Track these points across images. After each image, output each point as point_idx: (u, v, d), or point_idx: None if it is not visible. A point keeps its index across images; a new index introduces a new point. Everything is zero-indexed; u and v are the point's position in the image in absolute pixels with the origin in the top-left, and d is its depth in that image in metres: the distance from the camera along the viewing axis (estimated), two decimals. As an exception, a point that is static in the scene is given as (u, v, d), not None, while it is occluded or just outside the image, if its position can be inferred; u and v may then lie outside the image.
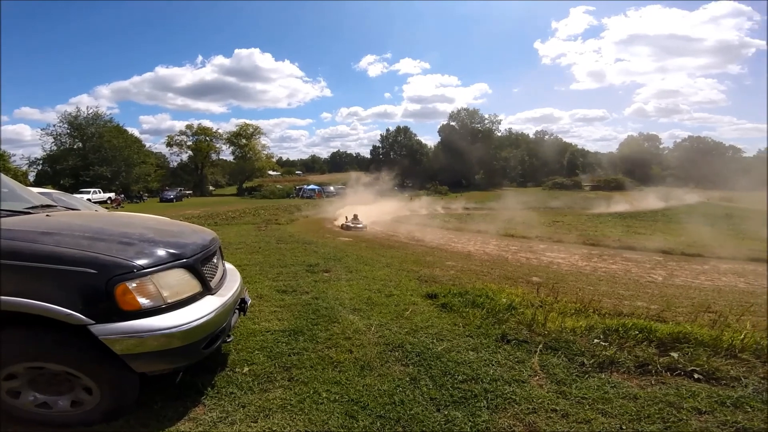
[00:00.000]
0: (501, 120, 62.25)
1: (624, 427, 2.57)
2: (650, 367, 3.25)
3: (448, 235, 15.91)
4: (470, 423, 2.54)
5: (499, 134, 62.62)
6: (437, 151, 60.93)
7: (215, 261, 2.96)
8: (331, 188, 47.58)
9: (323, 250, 8.91)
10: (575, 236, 14.75)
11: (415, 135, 64.87)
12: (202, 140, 60.62)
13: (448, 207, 30.22)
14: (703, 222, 19.80)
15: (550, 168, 58.94)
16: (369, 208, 22.18)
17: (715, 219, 20.76)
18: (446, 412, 2.64)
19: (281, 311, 4.44)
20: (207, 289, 2.57)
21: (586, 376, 3.17)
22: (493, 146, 59.10)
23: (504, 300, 4.68)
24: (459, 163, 54.52)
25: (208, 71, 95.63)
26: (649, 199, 33.13)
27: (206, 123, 67.22)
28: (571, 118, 78.27)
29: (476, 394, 2.83)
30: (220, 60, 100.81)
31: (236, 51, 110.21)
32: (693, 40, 54.75)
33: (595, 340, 3.65)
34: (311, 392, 2.78)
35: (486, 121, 60.74)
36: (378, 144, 67.18)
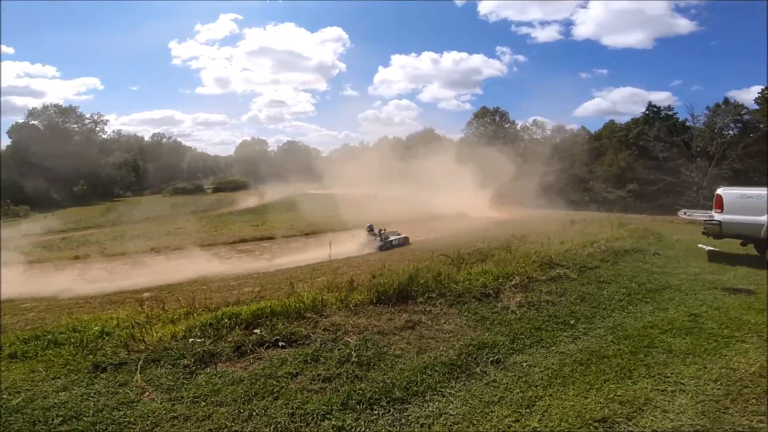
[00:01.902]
0: (108, 120, 52.94)
1: (241, 409, 2.83)
2: (245, 348, 3.66)
3: (30, 270, 12.02)
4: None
5: (106, 136, 53.40)
6: (8, 160, 44.05)
7: None
8: None
9: None
10: (194, 240, 14.85)
11: (-43, 137, 43.81)
12: None
13: (28, 234, 22.23)
14: (298, 209, 24.78)
15: (169, 173, 56.25)
16: None
17: (306, 206, 26.37)
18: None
19: None
20: None
21: (194, 375, 3.28)
22: (97, 150, 49.75)
23: (96, 328, 4.36)
24: (47, 174, 41.87)
25: None
26: (264, 196, 37.86)
27: None
28: (193, 121, 76.77)
29: (82, 431, 2.68)
30: None
31: None
32: (304, 58, 66.49)
33: (191, 340, 3.78)
34: None
35: (87, 121, 50.16)
36: None
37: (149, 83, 67.92)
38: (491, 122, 47.33)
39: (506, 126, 47.21)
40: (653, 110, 39.49)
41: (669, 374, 3.22)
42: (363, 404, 2.89)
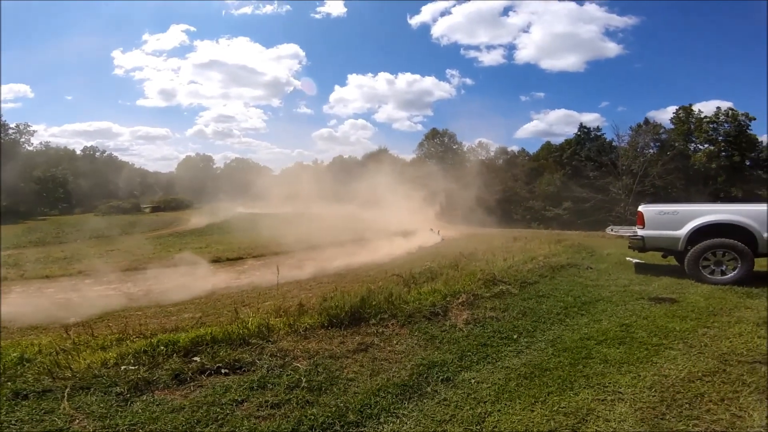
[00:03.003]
0: (36, 131, 48.73)
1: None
2: (184, 375, 3.48)
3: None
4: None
5: (32, 148, 49.19)
6: None
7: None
8: None
9: None
10: (130, 263, 13.82)
11: None
12: None
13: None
14: (244, 229, 23.92)
15: (103, 190, 52.22)
16: None
17: (252, 226, 25.53)
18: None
19: None
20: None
21: (129, 403, 3.13)
22: (20, 163, 45.77)
23: (15, 354, 4.02)
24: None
25: None
26: (208, 216, 36.10)
27: None
28: (132, 135, 71.76)
29: (5, 458, 2.36)
30: None
31: None
32: (257, 74, 64.64)
33: (123, 367, 3.57)
34: None
35: (12, 131, 46.06)
36: None
37: (86, 93, 63.01)
38: (440, 143, 49.03)
39: (454, 147, 49.14)
40: (584, 131, 43.03)
41: (607, 384, 3.41)
42: (315, 429, 2.82)
